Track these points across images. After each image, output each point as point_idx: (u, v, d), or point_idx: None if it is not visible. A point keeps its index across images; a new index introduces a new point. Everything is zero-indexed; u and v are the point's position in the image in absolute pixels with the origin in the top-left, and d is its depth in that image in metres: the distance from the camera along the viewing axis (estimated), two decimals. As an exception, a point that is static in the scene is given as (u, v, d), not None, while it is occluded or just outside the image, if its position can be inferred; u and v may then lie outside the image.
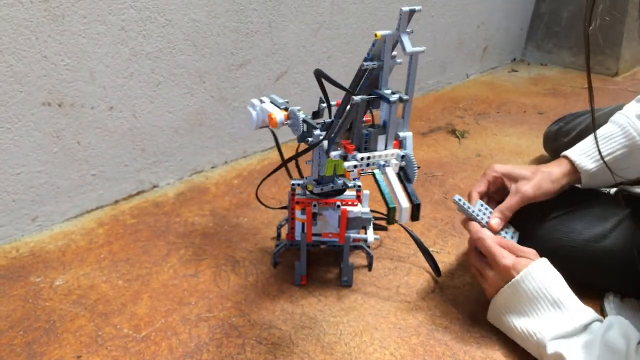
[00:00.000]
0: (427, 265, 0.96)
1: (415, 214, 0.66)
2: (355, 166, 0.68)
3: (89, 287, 0.90)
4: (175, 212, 1.13)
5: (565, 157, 0.87)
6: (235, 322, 0.83)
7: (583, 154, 0.86)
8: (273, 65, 1.34)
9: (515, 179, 0.86)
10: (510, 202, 0.85)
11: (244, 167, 1.33)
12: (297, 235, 0.90)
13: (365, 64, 0.70)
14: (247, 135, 1.37)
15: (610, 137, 0.85)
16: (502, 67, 2.26)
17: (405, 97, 0.69)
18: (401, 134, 0.72)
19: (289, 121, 0.80)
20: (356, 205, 0.87)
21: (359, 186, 0.90)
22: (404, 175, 0.70)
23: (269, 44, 1.31)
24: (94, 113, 1.05)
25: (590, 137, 0.87)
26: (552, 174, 0.85)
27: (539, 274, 0.73)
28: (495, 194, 0.91)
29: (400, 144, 0.73)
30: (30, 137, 0.98)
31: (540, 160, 1.38)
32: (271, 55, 1.33)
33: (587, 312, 0.71)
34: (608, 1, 1.99)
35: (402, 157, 0.70)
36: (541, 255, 0.79)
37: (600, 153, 0.82)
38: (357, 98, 0.67)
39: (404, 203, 0.64)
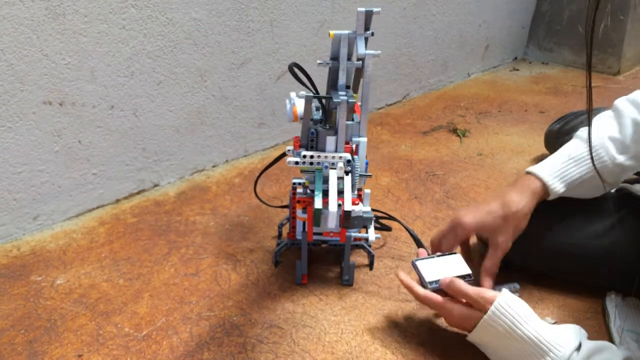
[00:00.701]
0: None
1: (345, 222, 0.63)
2: (296, 162, 0.66)
3: (90, 286, 0.90)
4: (176, 211, 1.13)
5: (538, 177, 0.83)
6: (236, 321, 0.83)
7: (556, 178, 0.82)
8: (274, 64, 1.34)
9: (489, 231, 0.82)
10: (493, 259, 0.81)
11: (245, 166, 1.33)
12: (299, 234, 0.90)
13: (319, 61, 0.68)
14: (248, 134, 1.36)
15: (580, 159, 0.82)
16: (503, 66, 2.26)
17: (352, 99, 0.65)
18: (355, 138, 0.69)
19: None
20: (357, 204, 0.87)
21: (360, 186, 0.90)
22: (345, 183, 0.66)
23: (270, 43, 1.31)
24: (95, 112, 1.05)
25: (561, 156, 0.84)
26: (525, 211, 0.81)
27: (498, 324, 0.69)
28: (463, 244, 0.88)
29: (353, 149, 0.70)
30: (31, 136, 0.98)
31: (541, 159, 1.38)
32: (272, 54, 1.32)
33: (562, 346, 0.65)
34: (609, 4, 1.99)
35: (349, 161, 0.66)
36: (541, 253, 0.78)
37: (593, 161, 0.79)
38: (301, 94, 0.66)
39: (332, 207, 0.62)
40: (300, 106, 0.77)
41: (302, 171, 0.74)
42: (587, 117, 0.98)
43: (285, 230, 1.02)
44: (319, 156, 0.66)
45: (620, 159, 0.81)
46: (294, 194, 0.88)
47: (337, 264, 0.97)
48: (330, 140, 0.66)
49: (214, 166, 1.33)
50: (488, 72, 2.18)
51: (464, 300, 0.74)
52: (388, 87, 1.74)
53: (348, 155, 0.67)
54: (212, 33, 1.18)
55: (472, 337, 0.73)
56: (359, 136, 0.69)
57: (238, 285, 0.91)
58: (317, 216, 0.64)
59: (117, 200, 1.16)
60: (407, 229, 0.98)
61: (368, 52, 0.66)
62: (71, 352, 0.76)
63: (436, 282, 0.77)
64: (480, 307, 0.71)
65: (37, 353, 0.76)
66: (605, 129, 0.83)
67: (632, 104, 0.82)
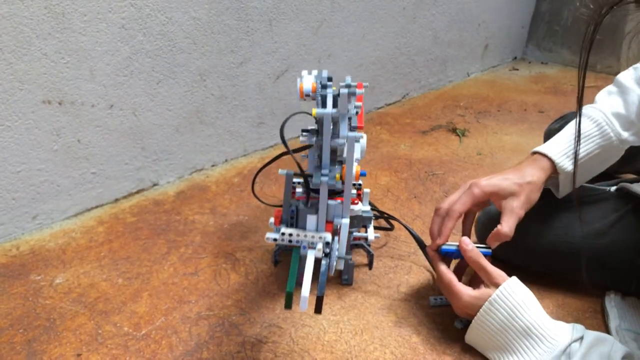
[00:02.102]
0: (427, 264, 0.96)
1: (317, 307, 0.60)
2: (275, 239, 0.63)
3: (89, 285, 0.90)
4: (176, 211, 1.13)
5: (546, 156, 0.82)
6: (235, 320, 0.82)
7: (564, 156, 0.81)
8: (273, 63, 1.34)
9: (503, 196, 0.80)
10: (509, 223, 0.79)
11: (244, 166, 1.33)
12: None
13: (301, 137, 0.65)
14: (247, 134, 1.36)
15: (587, 136, 0.82)
16: (503, 66, 2.26)
17: (332, 181, 0.62)
18: (337, 220, 0.66)
19: (314, 94, 0.76)
20: (357, 203, 0.87)
21: (360, 184, 0.90)
22: (323, 266, 0.63)
23: (269, 42, 1.31)
24: (94, 111, 1.05)
25: (567, 135, 0.83)
26: (538, 185, 0.81)
27: (500, 306, 0.70)
28: (473, 207, 0.86)
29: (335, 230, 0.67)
30: (30, 135, 0.98)
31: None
32: (271, 53, 1.32)
33: (562, 335, 0.67)
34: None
35: (327, 244, 0.63)
36: (538, 251, 0.78)
37: (576, 156, 0.79)
38: (281, 172, 0.63)
39: (305, 292, 0.59)
40: (307, 83, 0.75)
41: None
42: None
43: (285, 229, 1.02)
44: (298, 235, 0.63)
45: (625, 135, 0.81)
46: (293, 192, 0.88)
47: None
48: (310, 219, 0.63)
49: (213, 165, 1.32)
50: (487, 72, 2.18)
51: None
52: (387, 86, 1.74)
53: (328, 237, 0.63)
54: (212, 32, 1.18)
55: (479, 317, 0.72)
56: (342, 217, 0.65)
57: (237, 284, 0.91)
58: (288, 300, 0.61)
59: (116, 200, 1.16)
60: (407, 228, 0.98)
61: (351, 134, 0.63)
62: (70, 352, 0.76)
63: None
64: (493, 281, 0.73)
65: (36, 352, 0.76)
66: (609, 105, 0.83)
67: (636, 82, 0.83)
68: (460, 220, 0.85)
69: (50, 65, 0.96)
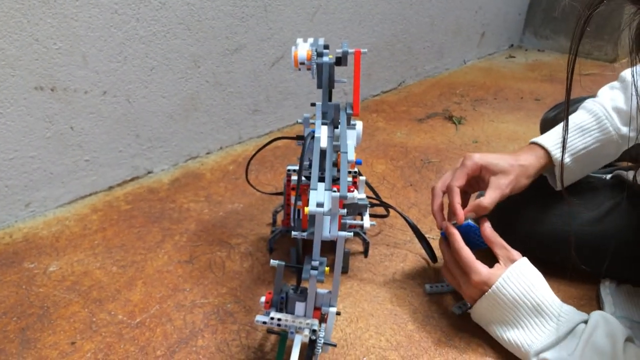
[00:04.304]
0: (423, 251, 0.96)
1: None
2: (264, 322, 0.66)
3: (82, 273, 0.89)
4: (170, 198, 1.12)
5: (542, 147, 0.82)
6: (230, 308, 0.82)
7: (558, 146, 0.81)
8: (269, 49, 1.33)
9: (493, 171, 0.81)
10: (491, 197, 0.79)
11: (239, 153, 1.32)
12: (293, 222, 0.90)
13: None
14: (242, 121, 1.35)
15: (586, 129, 0.81)
16: (499, 53, 2.25)
17: (321, 277, 0.64)
18: (324, 308, 0.67)
19: (310, 62, 0.76)
20: (352, 191, 0.86)
21: (356, 172, 0.90)
22: (310, 349, 0.66)
23: (264, 29, 1.29)
24: (87, 98, 1.04)
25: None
26: (529, 170, 0.81)
27: (515, 281, 0.71)
28: (469, 186, 0.86)
29: (323, 317, 0.69)
30: (22, 122, 0.97)
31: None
32: (267, 39, 1.31)
33: (570, 315, 0.69)
34: None
35: (314, 331, 0.66)
36: (535, 240, 0.78)
37: (563, 151, 0.77)
38: (272, 263, 0.65)
39: None
40: (301, 51, 0.75)
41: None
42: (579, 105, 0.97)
43: (280, 217, 1.02)
44: (286, 320, 0.66)
45: (625, 130, 0.80)
46: (289, 180, 0.87)
47: (331, 251, 0.96)
48: (299, 306, 0.66)
49: (208, 153, 1.32)
50: (484, 59, 2.17)
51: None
52: (383, 74, 1.73)
53: (315, 325, 0.66)
54: (206, 18, 1.17)
55: (494, 290, 0.72)
56: (330, 306, 0.67)
57: (232, 272, 0.90)
58: None
59: (110, 187, 1.15)
60: (403, 216, 0.97)
61: (340, 233, 0.63)
62: (64, 340, 0.76)
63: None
64: (511, 257, 0.74)
65: (30, 340, 0.76)
66: (611, 100, 0.82)
67: None
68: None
69: (42, 51, 0.95)
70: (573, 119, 0.84)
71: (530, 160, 0.81)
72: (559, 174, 0.83)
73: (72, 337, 0.76)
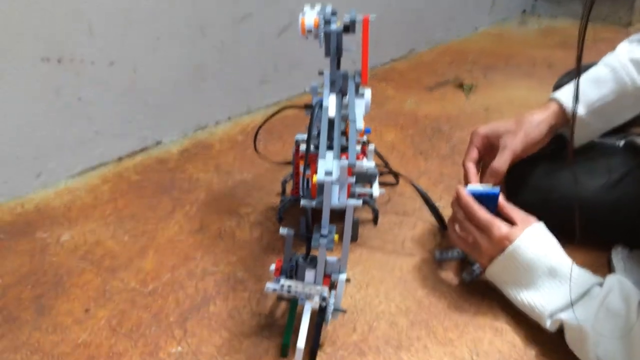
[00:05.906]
0: (432, 219, 0.95)
1: (311, 359, 0.66)
2: (274, 289, 0.66)
3: (95, 242, 0.90)
4: (180, 169, 1.12)
5: (554, 99, 0.82)
6: (240, 276, 0.83)
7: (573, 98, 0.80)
8: (276, 17, 1.31)
9: (500, 134, 0.81)
10: (501, 158, 0.80)
11: (247, 123, 1.32)
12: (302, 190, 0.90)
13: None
14: (250, 91, 1.34)
15: (601, 80, 0.80)
16: (511, 19, 2.21)
17: (331, 244, 0.65)
18: (334, 275, 0.68)
19: (317, 30, 0.76)
20: (361, 159, 0.86)
21: (365, 141, 0.89)
22: (320, 316, 0.67)
23: (271, -4, 1.27)
24: (94, 69, 1.04)
25: (582, 80, 0.81)
26: (540, 125, 0.80)
27: (533, 242, 0.71)
28: (489, 157, 0.85)
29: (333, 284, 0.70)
30: (31, 94, 0.97)
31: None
32: (274, 6, 1.29)
33: (585, 278, 0.69)
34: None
35: (324, 298, 0.66)
36: (547, 207, 0.77)
37: (576, 97, 0.77)
38: (282, 231, 0.65)
39: (300, 344, 0.63)
40: (309, 18, 0.75)
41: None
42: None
43: (289, 187, 1.02)
44: (296, 286, 0.66)
45: None
46: (297, 150, 0.87)
47: (341, 219, 0.96)
48: (309, 273, 0.66)
49: (216, 123, 1.31)
50: (495, 26, 2.12)
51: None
52: (393, 40, 1.70)
53: (325, 292, 0.66)
54: (212, -15, 1.15)
55: (512, 248, 0.71)
56: (339, 273, 0.68)
57: (242, 241, 0.91)
58: (284, 349, 0.67)
59: (120, 158, 1.16)
60: (413, 184, 0.97)
61: (349, 201, 0.63)
62: (78, 307, 0.77)
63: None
64: (530, 220, 0.74)
65: (45, 307, 0.77)
66: (628, 51, 0.81)
67: None
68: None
69: (48, 18, 0.94)
70: (589, 72, 0.83)
71: (540, 113, 0.81)
72: (576, 128, 0.82)
73: (86, 304, 0.78)
